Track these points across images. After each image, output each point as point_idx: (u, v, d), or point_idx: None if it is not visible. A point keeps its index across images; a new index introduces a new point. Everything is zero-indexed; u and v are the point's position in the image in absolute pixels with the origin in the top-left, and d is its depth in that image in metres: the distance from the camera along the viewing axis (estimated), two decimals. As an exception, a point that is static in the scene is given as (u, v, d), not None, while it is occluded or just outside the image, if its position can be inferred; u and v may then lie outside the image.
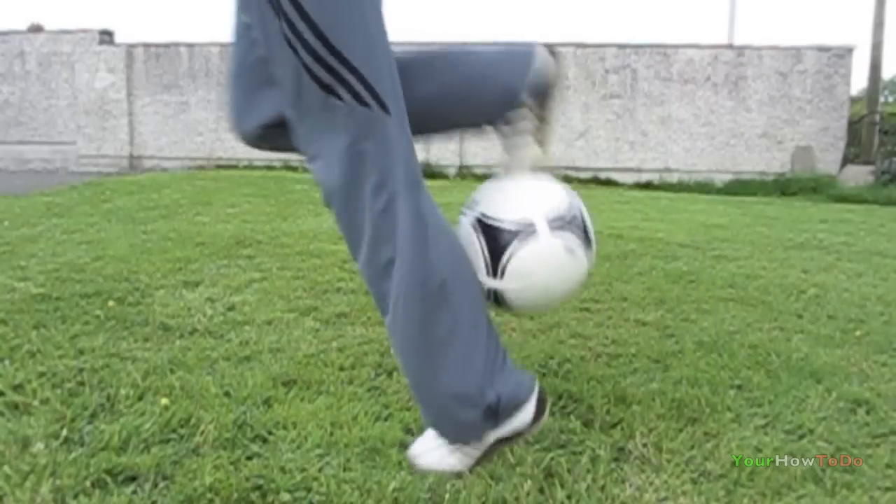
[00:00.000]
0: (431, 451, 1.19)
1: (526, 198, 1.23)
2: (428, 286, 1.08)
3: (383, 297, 1.12)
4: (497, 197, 1.23)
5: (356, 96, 1.04)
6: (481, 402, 1.10)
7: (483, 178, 8.95)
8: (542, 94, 1.30)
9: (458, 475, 1.20)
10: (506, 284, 1.18)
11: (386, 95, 1.05)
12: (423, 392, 1.16)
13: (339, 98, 1.04)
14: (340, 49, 1.02)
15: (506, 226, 1.17)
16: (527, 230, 1.16)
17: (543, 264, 1.17)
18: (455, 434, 1.16)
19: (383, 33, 1.07)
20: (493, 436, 1.15)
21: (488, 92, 1.28)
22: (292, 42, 1.01)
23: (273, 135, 1.24)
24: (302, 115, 1.08)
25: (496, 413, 1.12)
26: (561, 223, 1.18)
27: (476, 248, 1.19)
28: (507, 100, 1.27)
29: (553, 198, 1.22)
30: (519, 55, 1.29)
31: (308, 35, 1.01)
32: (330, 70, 1.02)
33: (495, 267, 1.17)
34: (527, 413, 1.15)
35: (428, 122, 1.22)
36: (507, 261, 1.16)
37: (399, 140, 1.06)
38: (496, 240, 1.17)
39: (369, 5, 1.05)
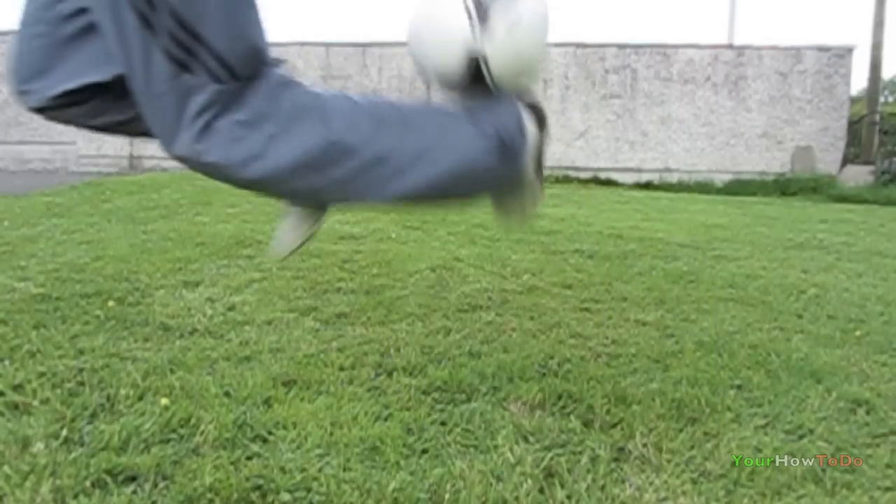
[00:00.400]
0: (511, 210, 1.29)
1: None
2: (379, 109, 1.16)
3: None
4: None
5: (210, 72, 1.00)
6: (490, 145, 1.16)
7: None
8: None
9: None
10: (493, 42, 1.14)
11: (239, 68, 1.02)
12: (448, 192, 1.23)
13: (192, 73, 0.99)
14: (194, 24, 0.97)
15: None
16: None
17: (532, 19, 1.17)
18: (506, 182, 1.23)
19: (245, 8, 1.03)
20: (526, 161, 1.20)
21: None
22: (147, 16, 0.95)
23: (75, 102, 1.14)
24: (149, 90, 1.01)
25: (508, 143, 1.17)
26: None
27: (460, 7, 1.15)
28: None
29: None
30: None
31: (164, 11, 0.96)
32: (182, 46, 0.98)
33: (483, 23, 1.14)
34: (530, 126, 1.19)
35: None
36: (496, 14, 1.14)
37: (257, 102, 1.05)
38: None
39: None
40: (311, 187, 1.13)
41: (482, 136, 1.16)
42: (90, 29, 1.05)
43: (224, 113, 1.03)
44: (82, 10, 1.05)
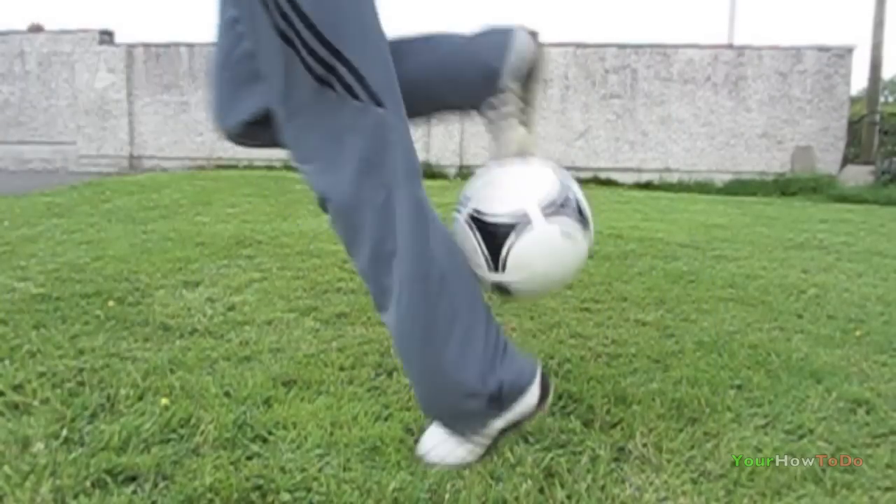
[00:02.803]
0: (440, 445, 1.20)
1: (517, 187, 1.21)
2: (430, 278, 1.08)
3: (383, 293, 1.11)
4: (488, 191, 1.22)
5: (348, 89, 1.03)
6: (484, 390, 1.11)
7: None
8: (525, 77, 1.29)
9: (468, 467, 1.20)
10: (508, 277, 1.18)
11: (379, 88, 1.04)
12: (426, 386, 1.16)
13: (333, 89, 1.03)
14: (333, 41, 1.01)
15: (500, 219, 1.16)
16: (522, 221, 1.16)
17: (542, 253, 1.17)
18: (462, 425, 1.16)
19: (378, 25, 1.06)
20: (499, 423, 1.15)
21: (468, 71, 1.28)
22: (286, 34, 1.00)
23: (256, 132, 1.23)
24: (292, 112, 1.06)
25: (500, 400, 1.12)
26: (554, 208, 1.17)
27: (473, 244, 1.18)
28: (488, 80, 1.27)
29: (544, 183, 1.20)
30: (497, 36, 1.29)
31: (301, 26, 1.00)
32: (322, 62, 1.01)
33: (496, 261, 1.17)
34: (531, 397, 1.16)
35: (411, 103, 1.20)
36: (507, 254, 1.16)
37: (394, 133, 1.06)
38: (493, 235, 1.17)
39: None
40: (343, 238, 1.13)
41: (486, 374, 1.12)
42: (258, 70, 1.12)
43: (358, 132, 1.06)
44: (251, 55, 1.11)
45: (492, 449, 1.19)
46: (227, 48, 1.19)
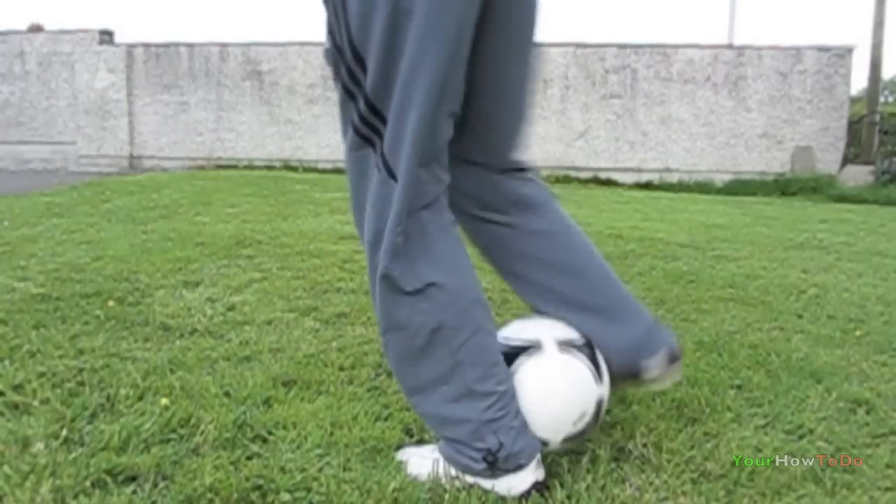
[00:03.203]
0: (418, 461, 1.23)
1: (539, 323, 1.30)
2: (393, 345, 1.19)
3: None
4: (514, 325, 1.31)
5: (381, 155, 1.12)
6: (480, 444, 1.14)
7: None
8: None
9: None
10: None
11: (397, 166, 1.09)
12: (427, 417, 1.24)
13: (374, 150, 1.12)
14: (382, 111, 1.09)
15: (514, 343, 1.24)
16: (534, 346, 1.23)
17: (545, 376, 1.22)
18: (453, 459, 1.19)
19: (427, 112, 1.08)
20: (484, 483, 1.16)
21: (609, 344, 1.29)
22: (350, 89, 1.12)
23: None
24: (346, 153, 1.17)
25: (495, 460, 1.14)
26: (569, 346, 1.24)
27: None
28: (625, 369, 1.31)
29: (567, 329, 1.27)
30: (651, 334, 1.30)
31: (359, 93, 1.10)
32: (370, 126, 1.11)
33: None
34: (521, 480, 1.15)
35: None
36: (513, 374, 1.21)
37: (395, 207, 1.10)
38: (506, 357, 1.22)
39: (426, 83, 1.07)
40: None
41: (486, 432, 1.15)
42: None
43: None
44: None
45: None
46: None
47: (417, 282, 1.11)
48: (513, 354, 1.23)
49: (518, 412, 1.17)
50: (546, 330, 1.27)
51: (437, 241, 1.13)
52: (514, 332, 1.28)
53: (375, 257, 1.12)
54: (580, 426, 1.23)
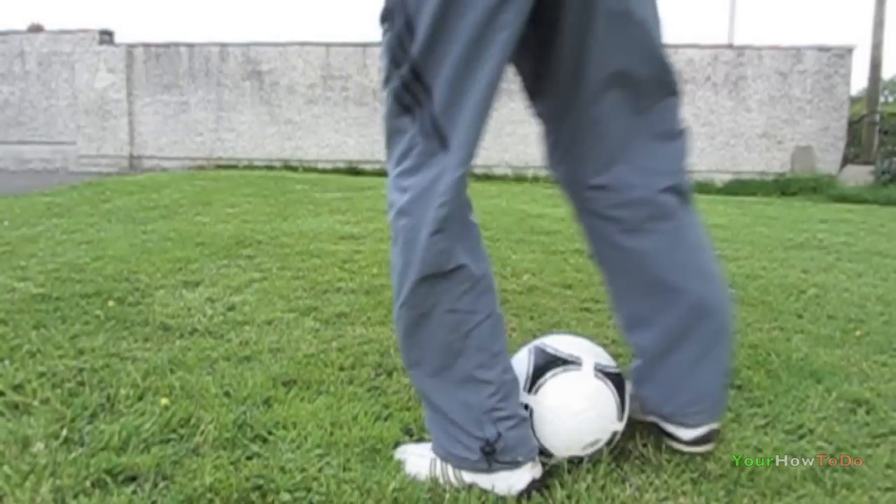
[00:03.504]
0: (416, 460, 1.23)
1: (585, 344, 1.33)
2: (406, 319, 1.16)
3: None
4: (562, 338, 1.34)
5: (422, 127, 1.08)
6: (480, 433, 1.14)
7: (482, 178, 8.94)
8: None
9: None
10: (535, 400, 1.24)
11: (454, 131, 1.07)
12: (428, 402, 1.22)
13: (412, 119, 1.08)
14: (429, 83, 1.06)
15: (557, 354, 1.28)
16: (574, 361, 1.26)
17: (573, 392, 1.24)
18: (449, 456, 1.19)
19: (482, 98, 1.06)
20: (483, 481, 1.17)
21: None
22: (398, 58, 1.07)
23: None
24: (384, 123, 1.14)
25: (492, 451, 1.14)
26: (605, 373, 1.26)
27: (524, 366, 1.27)
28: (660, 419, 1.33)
29: (608, 358, 1.31)
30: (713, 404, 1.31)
31: (404, 61, 1.06)
32: (413, 95, 1.08)
33: (533, 382, 1.25)
34: (519, 478, 1.15)
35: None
36: (545, 380, 1.24)
37: (443, 179, 1.07)
38: (544, 362, 1.26)
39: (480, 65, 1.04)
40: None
41: (486, 424, 1.16)
42: None
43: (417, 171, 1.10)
44: None
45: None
46: None
47: (453, 262, 1.09)
48: (549, 364, 1.25)
49: (519, 406, 1.17)
50: (587, 351, 1.29)
51: (472, 221, 1.13)
52: (556, 342, 1.31)
53: (400, 221, 1.10)
54: (588, 451, 1.24)
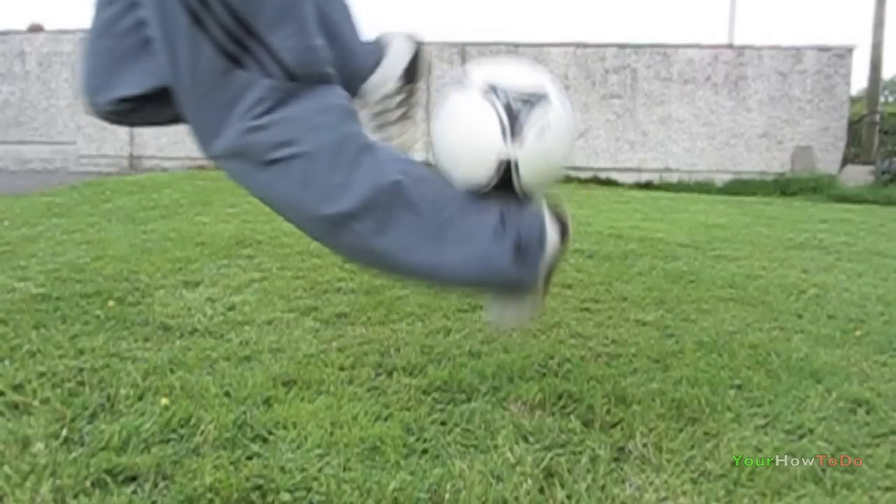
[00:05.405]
0: (505, 313, 1.32)
1: (525, 69, 1.25)
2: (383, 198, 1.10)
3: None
4: (496, 68, 1.23)
5: (261, 67, 1.00)
6: (507, 247, 1.17)
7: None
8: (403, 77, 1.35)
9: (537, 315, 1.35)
10: (524, 147, 1.16)
11: (295, 63, 1.01)
12: (456, 280, 1.25)
13: (244, 69, 0.99)
14: (248, 19, 0.97)
15: (523, 90, 1.17)
16: (542, 93, 1.18)
17: (560, 126, 1.19)
18: (513, 286, 1.25)
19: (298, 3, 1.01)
20: (539, 270, 1.22)
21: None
22: (195, 9, 0.96)
23: (133, 109, 1.18)
24: (195, 87, 1.02)
25: (525, 248, 1.18)
26: (560, 90, 1.23)
27: (492, 115, 1.16)
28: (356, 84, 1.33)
29: (540, 71, 1.25)
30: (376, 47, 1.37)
31: (218, 7, 0.96)
32: (237, 42, 0.98)
33: (514, 129, 1.16)
34: (552, 235, 1.22)
35: None
36: (527, 121, 1.16)
37: (309, 105, 1.03)
38: (514, 105, 1.16)
39: None
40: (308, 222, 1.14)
41: (501, 236, 1.16)
42: (148, 42, 1.07)
43: (275, 109, 1.02)
44: (142, 24, 1.06)
45: (545, 291, 1.28)
46: (113, 17, 1.13)
47: None
48: (525, 103, 1.18)
49: (492, 210, 1.20)
50: (537, 74, 1.23)
51: None
52: (513, 79, 1.21)
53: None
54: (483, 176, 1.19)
